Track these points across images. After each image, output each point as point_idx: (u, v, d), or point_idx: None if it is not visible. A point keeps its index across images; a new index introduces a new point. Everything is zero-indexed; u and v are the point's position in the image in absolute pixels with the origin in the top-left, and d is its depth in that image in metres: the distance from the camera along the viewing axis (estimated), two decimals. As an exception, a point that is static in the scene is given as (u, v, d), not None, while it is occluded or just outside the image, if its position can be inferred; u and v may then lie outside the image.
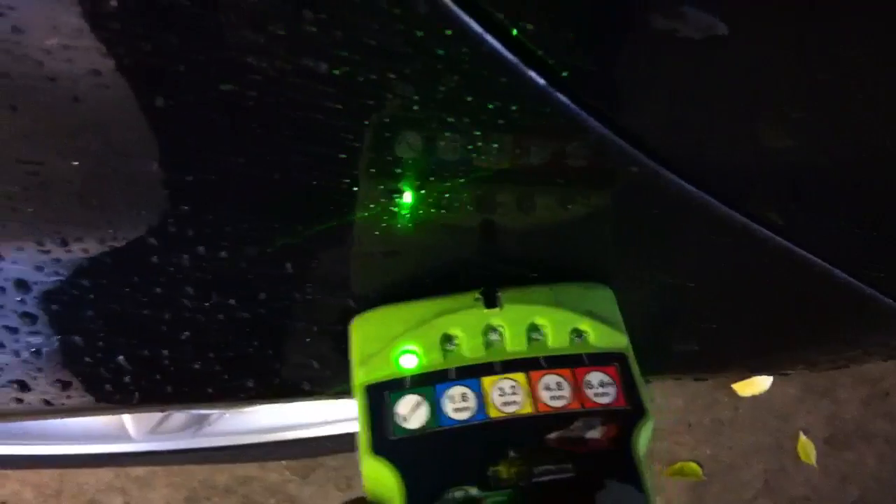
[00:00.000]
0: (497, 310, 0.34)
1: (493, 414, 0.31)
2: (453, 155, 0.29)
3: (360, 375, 0.33)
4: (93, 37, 0.25)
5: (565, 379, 0.32)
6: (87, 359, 0.36)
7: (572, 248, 0.35)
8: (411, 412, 0.31)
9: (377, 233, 0.32)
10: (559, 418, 0.31)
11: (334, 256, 0.34)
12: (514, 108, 0.27)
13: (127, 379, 0.36)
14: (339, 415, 1.01)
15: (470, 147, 0.29)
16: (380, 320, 0.34)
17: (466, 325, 0.33)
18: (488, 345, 0.33)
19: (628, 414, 0.32)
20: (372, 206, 0.31)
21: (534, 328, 0.34)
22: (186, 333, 0.35)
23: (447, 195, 0.31)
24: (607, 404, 0.32)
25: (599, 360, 0.33)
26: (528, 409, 0.32)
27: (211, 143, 0.28)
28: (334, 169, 0.29)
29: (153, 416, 1.01)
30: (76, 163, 0.29)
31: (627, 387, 0.33)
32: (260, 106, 0.27)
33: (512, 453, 0.30)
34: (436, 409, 0.31)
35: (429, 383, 0.32)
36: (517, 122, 0.27)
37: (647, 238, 0.34)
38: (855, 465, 1.23)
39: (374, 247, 0.33)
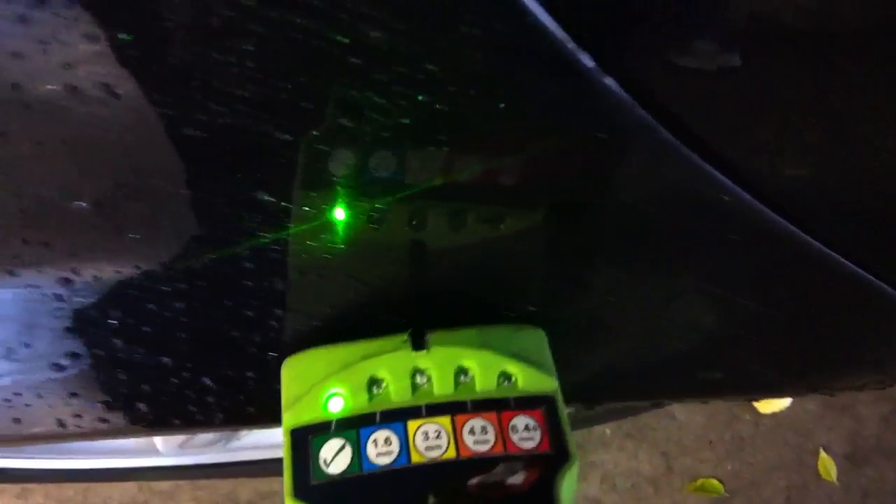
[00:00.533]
0: (425, 352, 0.34)
1: (416, 458, 0.31)
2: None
3: (287, 418, 0.33)
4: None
5: (490, 423, 0.32)
6: (174, 379, 0.37)
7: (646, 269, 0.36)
8: (334, 456, 0.31)
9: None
10: (482, 463, 0.31)
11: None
12: (605, 135, 0.28)
13: (210, 399, 0.37)
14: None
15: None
16: (308, 362, 0.34)
17: (394, 368, 0.33)
18: (415, 388, 0.33)
19: (552, 459, 0.32)
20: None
21: (462, 371, 0.34)
22: (273, 354, 0.36)
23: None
24: (531, 449, 0.32)
25: (526, 403, 0.33)
26: (450, 454, 0.32)
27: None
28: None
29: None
30: (181, 190, 0.30)
31: (553, 431, 0.33)
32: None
33: (432, 499, 0.31)
34: (359, 454, 0.31)
35: (353, 427, 0.32)
36: (615, 149, 0.29)
37: (725, 261, 0.35)
38: (875, 482, 1.23)
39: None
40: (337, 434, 0.32)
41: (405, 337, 0.34)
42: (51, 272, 0.33)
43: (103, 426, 0.38)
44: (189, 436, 1.02)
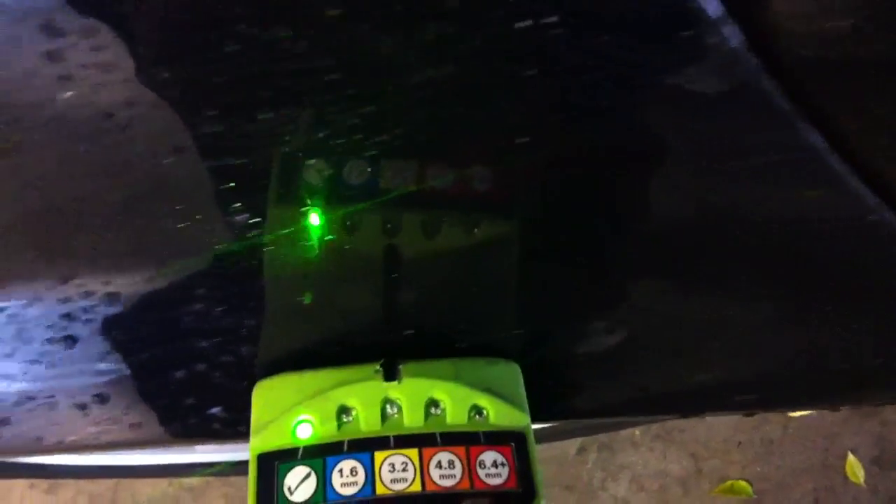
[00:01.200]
0: (396, 383, 0.33)
1: (380, 491, 0.31)
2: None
3: (254, 443, 0.33)
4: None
5: (458, 457, 0.32)
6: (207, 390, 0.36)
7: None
8: (299, 484, 0.31)
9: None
10: (446, 498, 0.31)
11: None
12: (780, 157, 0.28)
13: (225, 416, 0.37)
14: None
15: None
16: (279, 388, 0.34)
17: (364, 397, 0.33)
18: (385, 418, 0.33)
19: (518, 496, 0.32)
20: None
21: (433, 403, 0.34)
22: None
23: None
24: (497, 486, 0.32)
25: (496, 439, 0.33)
26: (416, 488, 0.31)
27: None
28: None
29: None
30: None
31: (521, 468, 0.32)
32: None
33: None
34: (323, 483, 0.31)
35: (320, 455, 0.32)
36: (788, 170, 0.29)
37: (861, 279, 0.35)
38: (902, 486, 1.24)
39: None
40: (303, 462, 0.32)
41: (377, 367, 0.34)
42: (87, 279, 0.32)
43: (134, 436, 0.37)
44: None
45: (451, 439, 0.33)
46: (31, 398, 0.35)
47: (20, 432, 0.37)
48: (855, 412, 1.29)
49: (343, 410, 0.33)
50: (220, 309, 0.33)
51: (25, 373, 0.35)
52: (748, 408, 0.45)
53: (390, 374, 0.33)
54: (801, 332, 0.38)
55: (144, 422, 0.37)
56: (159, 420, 0.37)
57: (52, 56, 0.25)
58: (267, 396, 0.34)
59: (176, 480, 1.20)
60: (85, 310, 0.33)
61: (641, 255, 0.35)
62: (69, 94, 0.26)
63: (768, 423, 1.27)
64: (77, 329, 0.34)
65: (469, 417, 0.33)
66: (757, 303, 0.37)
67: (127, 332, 0.34)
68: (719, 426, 1.26)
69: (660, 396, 0.41)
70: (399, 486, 0.31)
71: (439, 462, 0.32)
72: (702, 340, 0.38)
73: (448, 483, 0.31)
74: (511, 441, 0.33)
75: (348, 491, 0.31)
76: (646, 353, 0.38)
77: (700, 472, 1.23)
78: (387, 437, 0.32)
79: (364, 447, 0.32)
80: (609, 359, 0.37)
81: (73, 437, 0.37)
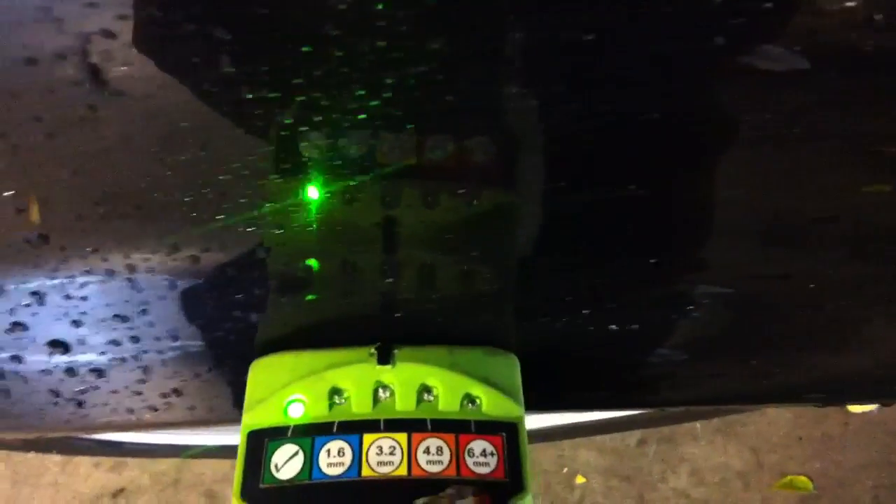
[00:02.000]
0: (389, 367, 0.33)
1: (366, 473, 0.31)
2: None
3: (246, 420, 0.33)
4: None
5: (447, 444, 0.32)
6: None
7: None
8: (286, 462, 0.31)
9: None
10: (431, 484, 0.31)
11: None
12: None
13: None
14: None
15: None
16: (273, 367, 0.34)
17: (357, 380, 0.33)
18: (377, 401, 0.33)
19: (505, 487, 0.31)
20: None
21: (426, 389, 0.34)
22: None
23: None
24: (484, 475, 0.31)
25: (488, 428, 0.33)
26: (402, 472, 0.31)
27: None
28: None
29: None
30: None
31: (511, 459, 0.32)
32: None
33: None
34: (310, 462, 0.31)
35: (309, 435, 0.32)
36: None
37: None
38: (963, 485, 1.23)
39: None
40: (292, 440, 0.32)
41: (372, 349, 0.34)
42: (158, 255, 0.32)
43: (191, 414, 0.38)
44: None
45: (441, 426, 0.33)
46: (117, 372, 0.36)
47: (103, 409, 0.37)
48: (917, 410, 1.28)
49: (335, 392, 0.33)
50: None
51: (110, 348, 0.35)
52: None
53: (384, 358, 0.33)
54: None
55: (219, 401, 0.38)
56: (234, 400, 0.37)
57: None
58: (261, 375, 0.34)
59: (238, 462, 1.21)
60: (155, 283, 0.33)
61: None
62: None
63: (829, 419, 1.26)
64: (154, 302, 0.34)
65: (462, 405, 0.33)
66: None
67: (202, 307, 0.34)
68: (780, 421, 1.25)
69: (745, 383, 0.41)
70: (385, 470, 0.31)
71: (427, 448, 0.32)
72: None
73: (434, 469, 0.31)
74: (502, 432, 0.33)
75: (334, 471, 0.31)
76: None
77: (760, 467, 1.23)
78: (377, 421, 0.33)
79: (353, 429, 0.32)
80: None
81: (154, 414, 0.38)
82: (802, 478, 1.22)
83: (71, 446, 0.96)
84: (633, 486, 1.21)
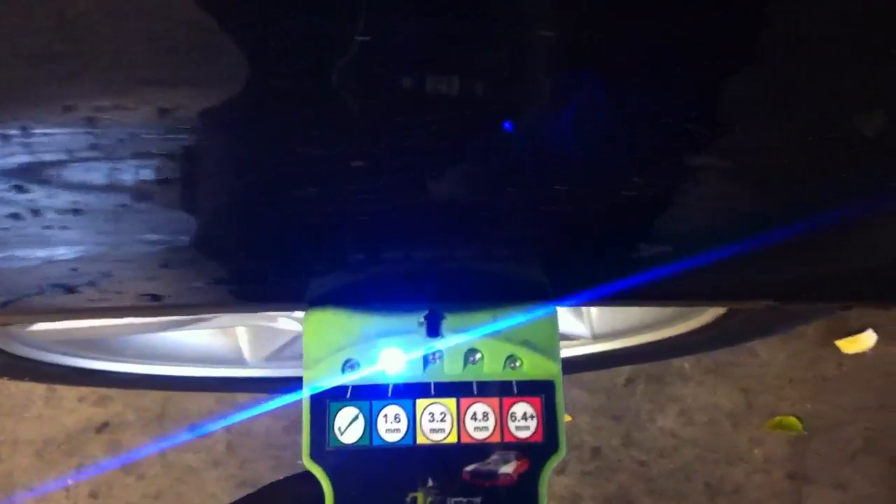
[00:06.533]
0: (439, 338, 0.35)
1: (421, 440, 0.34)
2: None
3: (307, 379, 0.35)
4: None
5: (492, 409, 0.34)
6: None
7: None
8: (348, 426, 0.34)
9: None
10: (479, 450, 0.34)
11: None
12: None
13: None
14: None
15: None
16: (329, 324, 0.36)
17: (407, 345, 0.35)
18: (426, 365, 0.35)
19: (542, 449, 0.34)
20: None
21: (472, 352, 0.35)
22: None
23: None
24: (525, 439, 0.34)
25: (528, 389, 0.35)
26: (452, 439, 0.34)
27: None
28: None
29: (272, 343, 1.01)
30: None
31: (548, 419, 0.34)
32: None
33: (430, 482, 0.33)
34: (370, 427, 0.34)
35: (366, 399, 0.34)
36: None
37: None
38: (959, 428, 1.22)
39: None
40: (351, 403, 0.34)
41: (421, 318, 0.35)
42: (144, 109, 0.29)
43: (195, 298, 0.36)
44: (279, 348, 1.01)
45: (486, 389, 0.34)
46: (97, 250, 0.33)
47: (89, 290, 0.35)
48: (913, 352, 1.26)
49: (388, 356, 0.35)
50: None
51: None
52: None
53: (433, 330, 0.35)
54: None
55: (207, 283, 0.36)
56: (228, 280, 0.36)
57: None
58: (317, 331, 0.36)
59: (224, 398, 1.21)
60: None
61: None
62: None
63: (822, 361, 1.24)
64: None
65: (504, 366, 0.35)
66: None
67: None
68: (772, 363, 1.23)
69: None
70: (438, 437, 0.34)
71: (474, 414, 0.34)
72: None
73: (481, 435, 0.34)
74: (541, 392, 0.35)
75: (392, 437, 0.34)
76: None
77: (750, 407, 1.21)
78: (428, 385, 0.34)
79: (407, 394, 0.34)
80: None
81: (139, 295, 0.35)
82: (792, 418, 1.21)
83: (51, 374, 0.95)
84: (620, 425, 1.20)
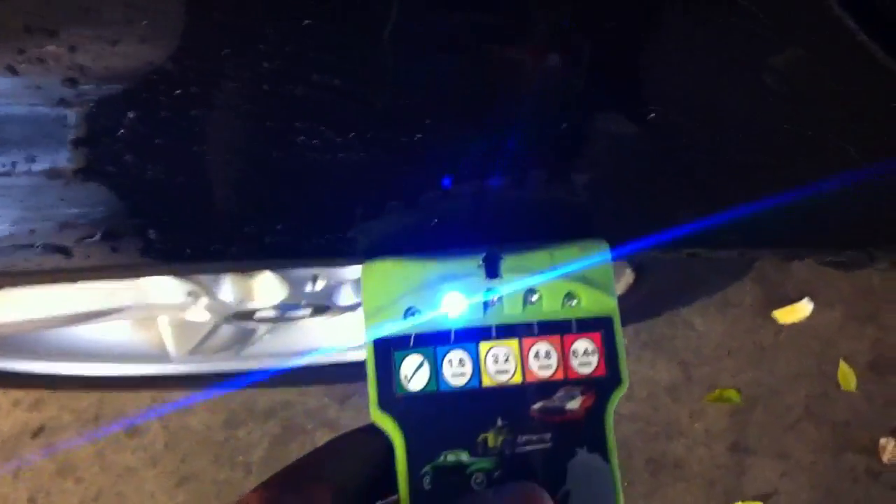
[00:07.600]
0: (497, 279, 0.35)
1: (486, 382, 0.34)
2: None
3: (369, 328, 0.35)
4: None
5: (554, 347, 0.34)
6: (190, 203, 0.33)
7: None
8: (414, 373, 0.34)
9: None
10: (544, 388, 0.34)
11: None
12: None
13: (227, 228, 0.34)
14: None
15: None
16: (388, 274, 0.36)
17: (468, 288, 0.35)
18: (487, 307, 0.35)
19: (606, 382, 0.34)
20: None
21: (531, 292, 0.35)
22: None
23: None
24: (588, 375, 0.34)
25: (587, 326, 0.35)
26: (517, 379, 0.34)
27: None
28: None
29: (194, 336, 1.00)
30: None
31: (609, 354, 0.35)
32: None
33: (500, 422, 0.33)
34: (436, 372, 0.34)
35: (430, 345, 0.34)
36: None
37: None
38: (898, 391, 1.22)
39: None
40: (415, 350, 0.34)
41: (479, 262, 0.35)
42: (56, 70, 0.29)
43: (112, 258, 0.35)
44: (201, 340, 1.00)
45: (546, 328, 0.35)
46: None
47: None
48: (851, 318, 1.25)
49: (449, 301, 0.35)
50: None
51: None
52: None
53: (492, 272, 0.35)
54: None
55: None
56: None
57: None
58: (376, 281, 0.35)
59: (160, 396, 1.20)
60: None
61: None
62: None
63: (761, 330, 1.24)
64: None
65: (563, 305, 0.35)
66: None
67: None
68: (710, 334, 1.23)
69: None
70: (503, 378, 0.34)
71: (537, 353, 0.34)
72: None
73: (546, 374, 0.34)
74: (600, 327, 0.35)
75: (459, 382, 0.34)
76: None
77: (690, 380, 1.21)
78: (489, 328, 0.34)
79: (469, 337, 0.34)
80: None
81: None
82: (731, 391, 1.21)
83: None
84: (560, 405, 1.20)
